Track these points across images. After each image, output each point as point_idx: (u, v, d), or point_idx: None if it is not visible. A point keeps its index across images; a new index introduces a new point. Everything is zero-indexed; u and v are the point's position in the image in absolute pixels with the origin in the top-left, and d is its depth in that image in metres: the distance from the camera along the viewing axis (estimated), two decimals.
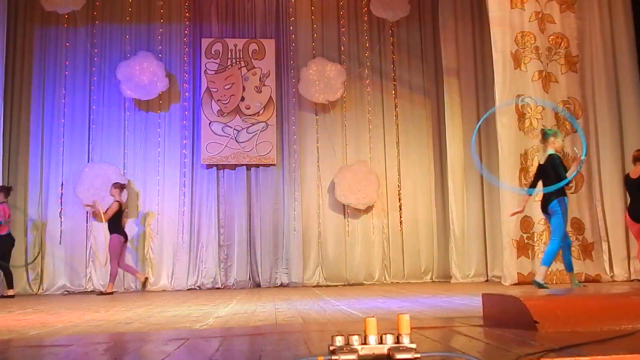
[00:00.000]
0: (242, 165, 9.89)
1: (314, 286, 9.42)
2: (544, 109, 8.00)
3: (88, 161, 9.71)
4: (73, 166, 9.65)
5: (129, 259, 9.31)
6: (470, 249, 9.48)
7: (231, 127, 9.86)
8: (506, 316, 2.86)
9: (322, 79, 9.89)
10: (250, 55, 10.05)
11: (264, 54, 10.06)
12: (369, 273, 9.84)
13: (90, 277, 9.47)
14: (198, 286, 9.51)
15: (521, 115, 8.01)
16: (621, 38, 8.37)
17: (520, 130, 7.99)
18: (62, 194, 9.62)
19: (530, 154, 7.91)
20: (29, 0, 9.85)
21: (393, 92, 10.35)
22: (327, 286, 9.35)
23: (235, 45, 10.07)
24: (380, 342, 1.94)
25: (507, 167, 7.93)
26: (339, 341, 1.94)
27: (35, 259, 9.27)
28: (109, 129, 9.87)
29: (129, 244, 9.15)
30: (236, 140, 9.84)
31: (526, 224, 7.83)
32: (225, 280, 9.60)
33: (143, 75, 9.60)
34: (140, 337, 3.23)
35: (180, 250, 9.63)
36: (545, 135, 6.50)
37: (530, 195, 6.74)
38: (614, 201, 7.95)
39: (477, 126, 7.30)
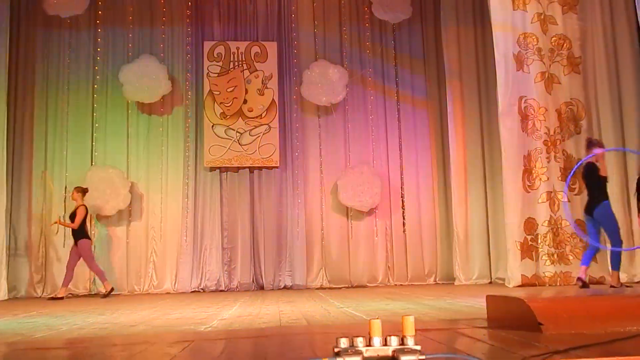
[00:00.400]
0: (245, 167, 9.90)
1: (318, 288, 9.42)
2: (547, 110, 8.00)
3: (91, 164, 9.73)
4: (76, 170, 9.67)
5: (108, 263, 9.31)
6: (473, 251, 9.47)
7: (234, 130, 9.87)
8: (510, 318, 2.86)
9: (325, 81, 9.90)
10: (253, 58, 10.07)
11: (266, 57, 10.08)
12: (373, 275, 9.84)
13: (94, 279, 9.47)
14: (202, 289, 9.52)
15: (524, 117, 8.00)
16: (623, 39, 8.37)
17: (523, 131, 7.98)
18: (65, 197, 9.63)
19: (533, 155, 7.90)
20: (31, 4, 9.87)
21: (395, 94, 10.35)
22: (330, 288, 9.35)
23: (238, 48, 10.09)
24: (385, 343, 1.94)
25: (511, 169, 7.92)
26: (344, 343, 1.94)
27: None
28: (112, 132, 9.89)
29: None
30: (239, 143, 9.85)
31: (530, 225, 7.82)
32: (229, 282, 9.61)
33: (146, 78, 9.62)
34: (145, 339, 3.24)
35: (184, 253, 9.64)
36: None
37: None
38: (615, 202, 7.91)
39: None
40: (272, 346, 2.70)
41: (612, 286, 6.64)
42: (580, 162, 6.93)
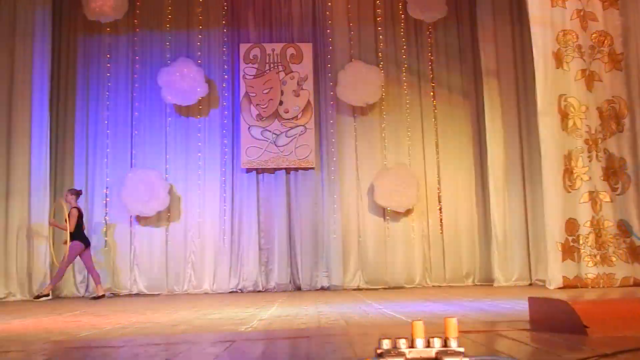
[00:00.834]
0: (281, 169, 9.95)
1: (355, 289, 9.41)
2: (587, 108, 7.83)
3: (131, 166, 9.91)
4: (117, 172, 9.87)
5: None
6: (513, 252, 9.33)
7: (270, 131, 9.94)
8: (554, 320, 2.81)
9: (360, 81, 9.89)
10: (288, 60, 10.12)
11: (302, 58, 10.12)
12: (410, 276, 9.78)
13: (135, 280, 9.66)
14: (239, 289, 9.61)
15: (564, 115, 7.85)
16: None
17: (563, 130, 7.82)
18: (106, 199, 9.84)
19: (574, 154, 7.74)
20: (72, 11, 10.10)
21: (431, 93, 10.28)
22: (367, 289, 9.33)
23: (273, 50, 10.15)
24: (428, 345, 1.93)
25: (551, 169, 7.77)
26: (386, 344, 1.94)
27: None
28: (150, 134, 10.06)
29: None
30: (275, 144, 9.91)
31: (571, 226, 7.66)
32: (266, 283, 9.67)
33: (183, 81, 9.76)
34: (187, 339, 3.28)
35: (222, 254, 9.74)
36: None
37: None
38: None
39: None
40: (313, 347, 2.71)
41: None
42: None
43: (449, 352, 1.89)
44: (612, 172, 7.72)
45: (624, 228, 7.46)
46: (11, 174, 9.27)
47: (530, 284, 9.11)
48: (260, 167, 9.93)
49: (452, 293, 7.69)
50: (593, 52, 7.98)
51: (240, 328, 3.96)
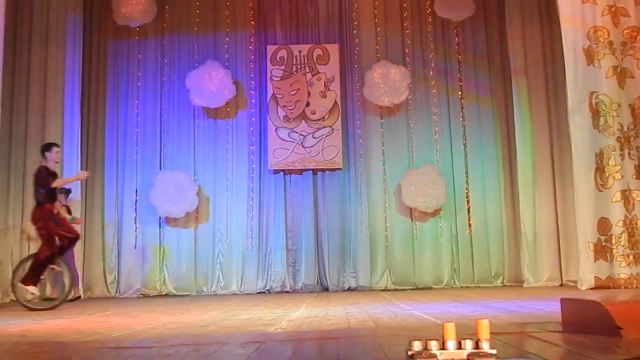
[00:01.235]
0: (308, 170, 9.97)
1: (382, 290, 9.38)
2: (619, 105, 7.69)
3: (160, 168, 10.02)
4: (146, 173, 9.99)
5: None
6: (542, 253, 9.20)
7: (297, 133, 9.96)
8: (587, 322, 2.77)
9: (387, 82, 9.86)
10: (315, 61, 10.14)
11: (328, 59, 10.12)
12: (438, 277, 9.71)
13: (164, 280, 9.77)
14: (267, 290, 9.65)
15: (595, 113, 7.72)
16: None
17: (594, 128, 7.69)
18: (136, 201, 9.97)
19: (606, 153, 7.61)
20: (102, 16, 10.26)
21: (459, 93, 10.19)
22: (395, 290, 9.29)
23: (300, 51, 10.18)
24: (459, 347, 1.92)
25: (582, 168, 7.64)
26: (417, 346, 1.94)
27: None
28: (179, 136, 10.17)
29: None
30: (302, 146, 9.93)
31: (603, 225, 7.53)
32: (294, 284, 9.69)
33: (211, 83, 9.85)
34: (217, 339, 3.31)
35: (249, 255, 9.80)
36: None
37: None
38: None
39: None
40: (342, 348, 2.71)
41: None
42: None
43: (481, 354, 1.87)
44: None
45: None
46: None
47: (561, 285, 8.97)
48: (288, 168, 9.96)
49: (481, 294, 7.62)
50: (625, 49, 7.84)
51: (269, 329, 3.97)
